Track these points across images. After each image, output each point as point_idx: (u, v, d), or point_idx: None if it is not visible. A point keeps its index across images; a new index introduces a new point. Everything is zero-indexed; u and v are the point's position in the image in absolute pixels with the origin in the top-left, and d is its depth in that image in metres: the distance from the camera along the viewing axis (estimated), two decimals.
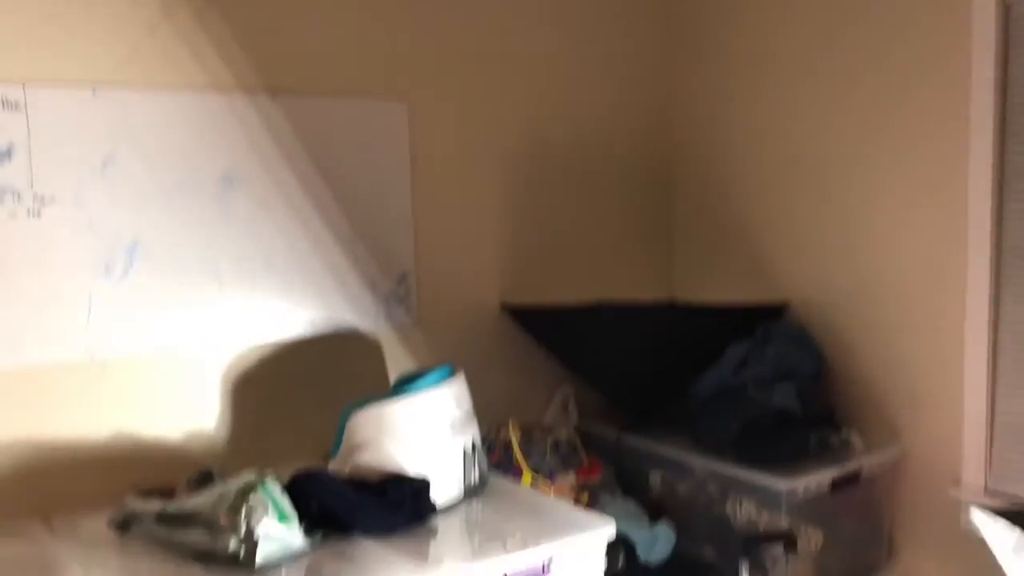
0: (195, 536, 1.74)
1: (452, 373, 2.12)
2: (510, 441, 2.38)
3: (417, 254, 2.44)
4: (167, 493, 1.90)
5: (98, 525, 1.88)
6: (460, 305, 2.54)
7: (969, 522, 1.87)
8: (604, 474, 2.49)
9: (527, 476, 2.31)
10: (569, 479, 2.42)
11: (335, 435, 2.05)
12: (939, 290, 2.29)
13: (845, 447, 2.36)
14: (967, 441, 2.27)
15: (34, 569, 1.69)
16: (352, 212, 2.34)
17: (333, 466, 2.03)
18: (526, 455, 2.38)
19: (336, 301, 2.34)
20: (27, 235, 1.92)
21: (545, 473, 2.37)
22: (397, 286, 2.43)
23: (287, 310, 2.27)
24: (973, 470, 2.26)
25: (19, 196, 1.90)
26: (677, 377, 2.44)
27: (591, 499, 2.33)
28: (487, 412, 2.20)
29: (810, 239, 2.57)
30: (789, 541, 2.13)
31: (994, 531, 1.76)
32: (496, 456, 2.36)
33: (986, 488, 2.23)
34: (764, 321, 2.51)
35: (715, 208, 2.82)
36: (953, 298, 2.26)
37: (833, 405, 2.46)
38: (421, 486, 1.94)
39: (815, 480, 2.21)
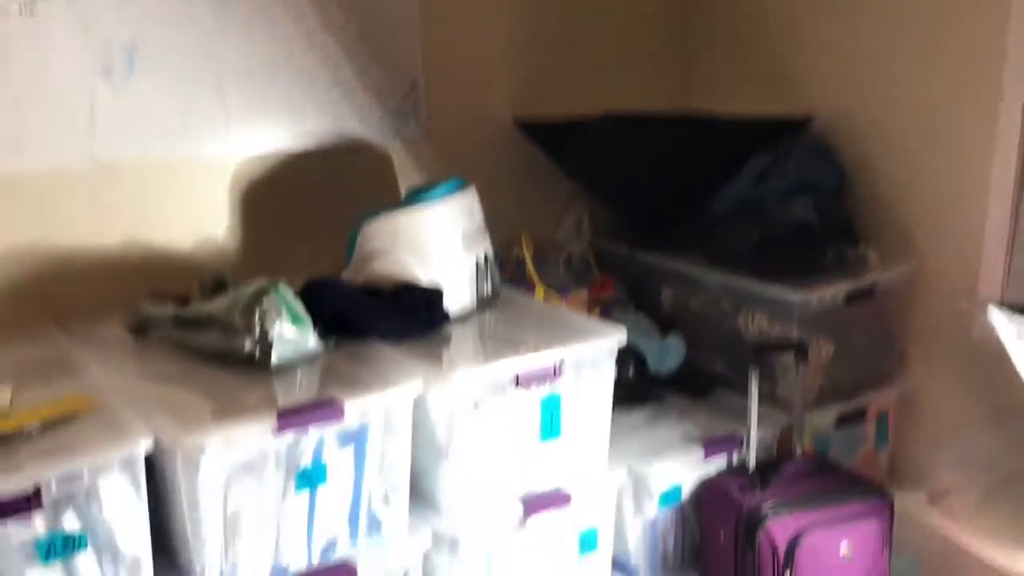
0: (211, 338, 1.76)
1: (463, 186, 2.08)
2: (523, 256, 2.37)
3: (425, 62, 2.35)
4: (182, 299, 1.91)
5: (114, 329, 1.90)
6: (472, 118, 2.47)
7: (986, 326, 1.86)
8: (616, 290, 2.50)
9: (540, 290, 2.31)
10: (581, 295, 2.42)
11: (347, 246, 2.03)
12: (970, 105, 2.20)
13: (862, 261, 2.33)
14: (986, 255, 2.24)
15: (55, 370, 1.71)
16: (355, 16, 2.23)
17: (346, 275, 2.02)
18: (539, 272, 2.37)
19: (343, 112, 2.27)
20: (22, 34, 1.85)
21: (557, 288, 2.37)
22: (405, 97, 2.35)
23: (292, 121, 2.21)
24: (990, 284, 2.24)
25: None
26: (694, 191, 2.40)
27: (603, 314, 2.34)
28: (499, 228, 2.17)
29: (837, 51, 2.45)
30: (800, 351, 2.14)
31: (1010, 329, 1.76)
32: (509, 271, 2.36)
33: (1002, 301, 2.21)
34: (786, 134, 2.43)
35: (736, 16, 2.69)
36: (984, 112, 2.17)
37: (852, 220, 2.42)
38: (434, 295, 1.94)
39: (829, 292, 2.20)
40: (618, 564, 2.14)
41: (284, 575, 1.62)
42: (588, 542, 2.01)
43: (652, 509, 2.09)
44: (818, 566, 1.94)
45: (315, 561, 1.66)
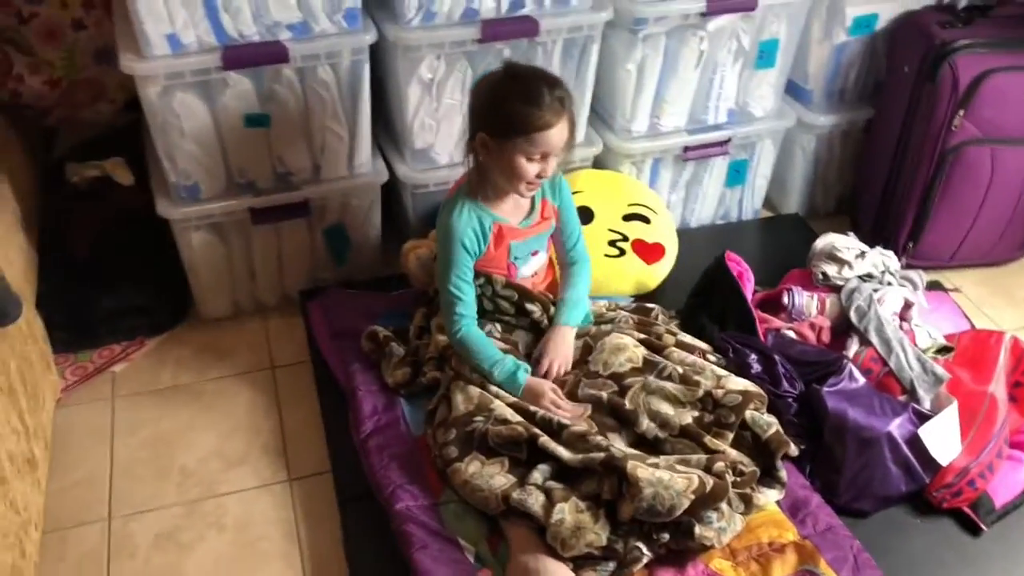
0: None
1: None
2: None
3: None
4: None
5: None
6: None
7: None
8: None
9: None
10: None
11: None
12: None
13: None
14: None
15: None
16: None
17: None
18: None
19: None
20: None
21: None
22: None
23: None
24: None
25: None
26: None
27: None
28: None
29: None
30: None
31: None
32: None
33: None
34: None
35: None
36: None
37: None
38: None
39: None
40: (793, 87, 2.19)
41: (475, 16, 1.79)
42: (767, 55, 2.04)
43: (841, 35, 2.06)
44: (998, 106, 1.90)
45: (503, 11, 1.81)
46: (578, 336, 1.69)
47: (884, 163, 2.12)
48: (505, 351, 1.63)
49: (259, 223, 1.88)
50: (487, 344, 1.62)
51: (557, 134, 1.51)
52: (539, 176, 1.56)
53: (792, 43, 2.06)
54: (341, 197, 1.93)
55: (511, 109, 1.50)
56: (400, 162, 1.96)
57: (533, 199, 1.67)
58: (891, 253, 1.92)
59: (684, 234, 2.12)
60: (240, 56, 1.67)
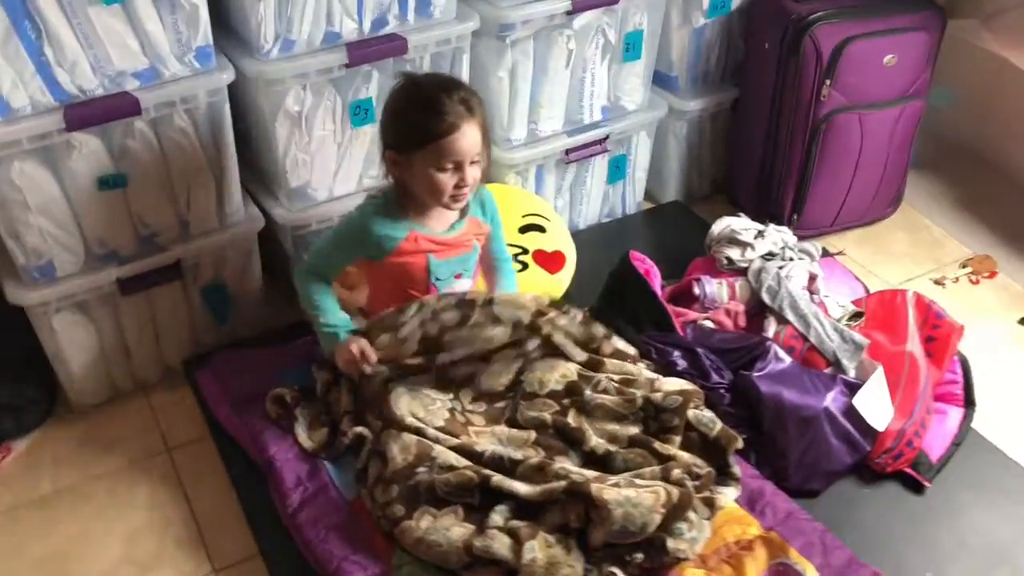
0: None
1: None
2: None
3: None
4: None
5: None
6: None
7: None
8: None
9: None
10: None
11: None
12: None
13: None
14: None
15: None
16: None
17: None
18: None
19: None
20: None
21: None
22: None
23: None
24: None
25: None
26: None
27: None
28: None
29: None
30: None
31: None
32: None
33: None
34: None
35: None
36: None
37: None
38: None
39: None
40: (659, 76, 2.18)
41: (337, 40, 1.67)
42: (633, 46, 2.02)
43: (700, 18, 2.07)
44: (859, 72, 1.96)
45: (367, 31, 1.70)
46: (510, 350, 1.58)
47: (758, 140, 2.15)
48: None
49: (128, 294, 1.68)
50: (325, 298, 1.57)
51: (464, 138, 1.43)
52: (459, 186, 1.47)
53: (655, 32, 2.05)
54: (215, 252, 1.76)
55: (411, 119, 1.44)
56: (275, 205, 1.81)
57: (463, 211, 1.58)
58: (785, 228, 1.94)
59: (575, 236, 2.06)
60: (84, 114, 1.48)
